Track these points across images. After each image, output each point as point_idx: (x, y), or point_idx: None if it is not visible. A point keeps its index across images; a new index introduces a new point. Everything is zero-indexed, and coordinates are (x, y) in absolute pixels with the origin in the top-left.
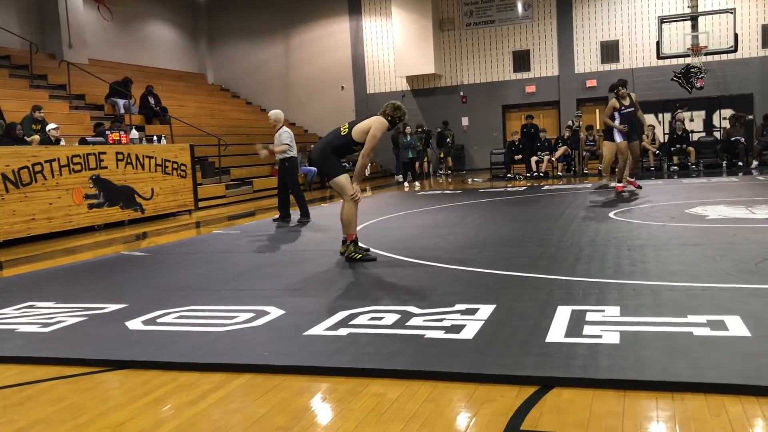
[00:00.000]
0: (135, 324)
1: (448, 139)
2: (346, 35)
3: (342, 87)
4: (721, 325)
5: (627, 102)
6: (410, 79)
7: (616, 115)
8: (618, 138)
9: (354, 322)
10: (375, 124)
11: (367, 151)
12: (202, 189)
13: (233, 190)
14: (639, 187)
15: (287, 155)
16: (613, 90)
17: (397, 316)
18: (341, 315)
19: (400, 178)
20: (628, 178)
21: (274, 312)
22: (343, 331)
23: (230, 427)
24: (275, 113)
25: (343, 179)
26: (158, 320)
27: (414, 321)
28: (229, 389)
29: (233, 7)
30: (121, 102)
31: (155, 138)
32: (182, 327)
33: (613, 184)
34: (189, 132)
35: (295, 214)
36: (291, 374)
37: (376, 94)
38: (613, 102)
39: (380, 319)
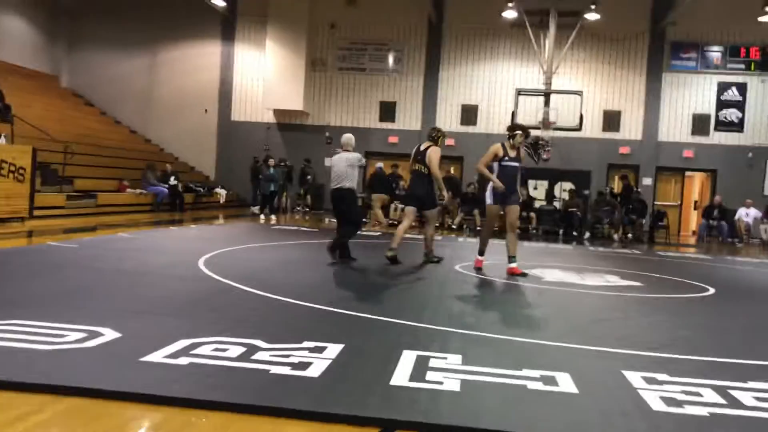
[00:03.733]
0: None
1: (309, 177)
2: (216, 58)
3: (206, 110)
4: (552, 381)
5: (514, 153)
6: (277, 112)
7: (495, 166)
8: (489, 198)
9: (196, 351)
10: (434, 156)
11: (437, 175)
12: (39, 197)
13: (75, 201)
14: (478, 268)
15: (346, 185)
16: (511, 131)
17: (242, 349)
18: (183, 343)
19: (256, 209)
20: (478, 257)
21: (110, 334)
22: (183, 360)
23: None
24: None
25: (436, 210)
26: None
27: (260, 355)
28: (50, 413)
29: (99, 13)
30: None
31: None
32: (1, 342)
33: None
34: (33, 135)
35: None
36: (122, 401)
37: (241, 122)
38: (496, 147)
39: (225, 350)
